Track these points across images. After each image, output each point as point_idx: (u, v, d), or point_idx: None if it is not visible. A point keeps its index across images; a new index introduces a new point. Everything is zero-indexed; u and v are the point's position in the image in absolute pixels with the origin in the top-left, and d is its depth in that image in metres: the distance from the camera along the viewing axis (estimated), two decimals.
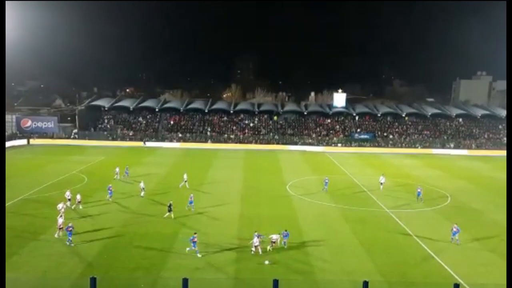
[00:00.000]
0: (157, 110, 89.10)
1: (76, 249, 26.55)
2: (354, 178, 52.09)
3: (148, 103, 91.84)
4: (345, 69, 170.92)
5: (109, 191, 38.51)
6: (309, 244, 28.81)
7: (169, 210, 33.40)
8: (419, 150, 79.87)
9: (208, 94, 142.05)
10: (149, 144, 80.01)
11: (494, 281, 23.57)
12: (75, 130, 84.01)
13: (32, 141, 77.87)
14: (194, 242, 25.91)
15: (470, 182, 51.40)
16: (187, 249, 26.07)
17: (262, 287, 19.98)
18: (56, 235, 28.35)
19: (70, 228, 27.17)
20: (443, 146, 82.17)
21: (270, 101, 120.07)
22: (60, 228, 28.37)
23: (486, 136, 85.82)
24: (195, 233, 26.48)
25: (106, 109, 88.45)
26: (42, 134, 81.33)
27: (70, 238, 27.08)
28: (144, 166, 57.37)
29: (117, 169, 48.58)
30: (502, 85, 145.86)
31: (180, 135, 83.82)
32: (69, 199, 35.52)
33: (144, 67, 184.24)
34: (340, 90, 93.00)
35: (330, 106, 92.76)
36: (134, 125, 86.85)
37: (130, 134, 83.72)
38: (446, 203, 40.96)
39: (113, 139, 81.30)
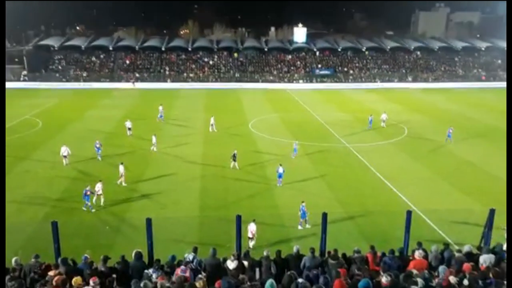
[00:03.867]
0: (111, 49, 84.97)
1: (37, 196, 25.94)
2: (315, 114, 52.58)
3: (101, 41, 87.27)
4: (305, 3, 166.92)
5: (96, 148, 33.57)
6: (272, 181, 29.27)
7: (234, 160, 31.54)
8: (379, 85, 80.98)
9: (164, 31, 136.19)
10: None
11: (446, 207, 24.89)
12: (24, 72, 79.36)
13: None
14: (304, 212, 22.41)
15: (426, 114, 52.97)
16: (299, 226, 22.50)
17: (226, 222, 20.23)
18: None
19: (88, 192, 24.32)
20: (401, 80, 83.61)
21: (229, 37, 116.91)
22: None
23: (442, 68, 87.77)
24: (303, 202, 22.75)
25: (56, 48, 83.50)
26: None
27: (88, 203, 24.42)
28: (101, 109, 55.56)
29: (160, 108, 48.56)
30: (459, 16, 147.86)
31: (137, 75, 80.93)
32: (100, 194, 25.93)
33: (94, 2, 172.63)
34: (300, 25, 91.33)
35: (291, 42, 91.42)
36: (88, 65, 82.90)
37: (84, 75, 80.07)
38: (403, 136, 42.28)
39: (67, 81, 77.65)
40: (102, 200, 24.99)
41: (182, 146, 37.64)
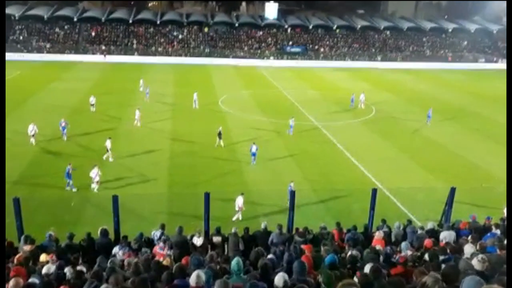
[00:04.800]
0: (75, 19, 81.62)
1: None
2: (285, 92, 52.60)
3: (65, 11, 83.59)
4: None
5: (62, 127, 31.48)
6: (242, 158, 29.33)
7: (219, 138, 31.21)
8: (349, 63, 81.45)
9: (132, 3, 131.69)
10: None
11: (410, 185, 25.61)
12: None
13: None
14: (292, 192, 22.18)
15: (394, 94, 53.80)
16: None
17: (196, 200, 20.21)
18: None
19: (70, 171, 23.36)
20: (371, 59, 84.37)
21: (199, 11, 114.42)
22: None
23: (411, 48, 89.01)
24: (291, 181, 22.39)
25: (16, 18, 79.59)
26: None
27: (71, 182, 23.55)
28: (67, 82, 53.77)
29: (141, 81, 48.59)
30: None
31: (103, 47, 78.41)
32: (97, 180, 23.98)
33: None
34: (271, 1, 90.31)
35: (262, 18, 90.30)
36: (51, 36, 79.56)
37: (47, 46, 76.95)
38: (371, 115, 42.94)
39: (29, 52, 74.49)
40: (97, 186, 23.52)
41: (153, 122, 36.96)
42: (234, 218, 20.89)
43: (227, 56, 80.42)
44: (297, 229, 13.95)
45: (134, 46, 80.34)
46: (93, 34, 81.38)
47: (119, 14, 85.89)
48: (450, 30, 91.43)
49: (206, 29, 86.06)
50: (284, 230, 13.82)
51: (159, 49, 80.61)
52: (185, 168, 27.43)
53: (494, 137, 36.05)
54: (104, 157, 27.88)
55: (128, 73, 61.60)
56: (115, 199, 13.20)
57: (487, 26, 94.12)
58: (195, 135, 33.86)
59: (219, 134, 31.25)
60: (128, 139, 32.51)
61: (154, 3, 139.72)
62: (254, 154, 28.23)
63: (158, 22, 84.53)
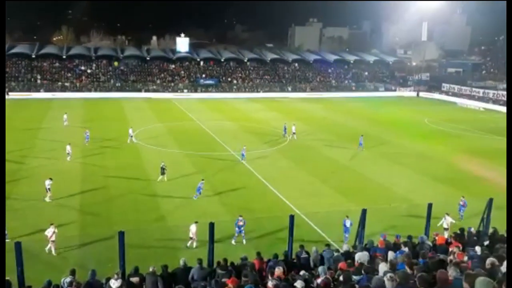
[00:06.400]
0: None
1: None
2: (201, 124, 52.63)
3: None
4: (187, 12, 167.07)
5: None
6: (159, 192, 28.54)
7: (162, 173, 30.30)
8: (261, 94, 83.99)
9: (35, 37, 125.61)
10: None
11: (325, 209, 26.53)
12: None
13: None
14: (240, 227, 21.67)
15: (306, 122, 56.01)
16: (233, 240, 21.79)
17: (109, 239, 19.15)
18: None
19: None
20: (282, 90, 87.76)
21: (108, 45, 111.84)
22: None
23: (318, 79, 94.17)
24: (240, 216, 22.08)
25: None
26: None
27: None
28: None
29: (65, 116, 46.83)
30: (331, 31, 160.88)
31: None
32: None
33: None
34: (182, 35, 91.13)
35: (174, 51, 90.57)
36: None
37: None
38: (286, 143, 44.31)
39: None
40: (53, 248, 20.00)
41: (58, 160, 34.77)
42: (188, 244, 20.83)
43: (139, 90, 79.06)
44: (218, 262, 13.72)
45: (38, 81, 76.05)
46: None
47: (20, 49, 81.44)
48: (352, 62, 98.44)
49: (116, 63, 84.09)
50: (205, 264, 13.54)
51: (66, 84, 77.11)
52: (95, 206, 25.93)
53: (396, 159, 38.89)
54: (47, 198, 26.27)
55: (32, 110, 57.90)
56: (17, 246, 12.09)
57: (384, 57, 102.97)
58: (107, 170, 32.42)
59: (162, 169, 30.51)
60: (30, 179, 30.07)
61: (59, 37, 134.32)
62: (199, 190, 27.54)
63: (64, 56, 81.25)
